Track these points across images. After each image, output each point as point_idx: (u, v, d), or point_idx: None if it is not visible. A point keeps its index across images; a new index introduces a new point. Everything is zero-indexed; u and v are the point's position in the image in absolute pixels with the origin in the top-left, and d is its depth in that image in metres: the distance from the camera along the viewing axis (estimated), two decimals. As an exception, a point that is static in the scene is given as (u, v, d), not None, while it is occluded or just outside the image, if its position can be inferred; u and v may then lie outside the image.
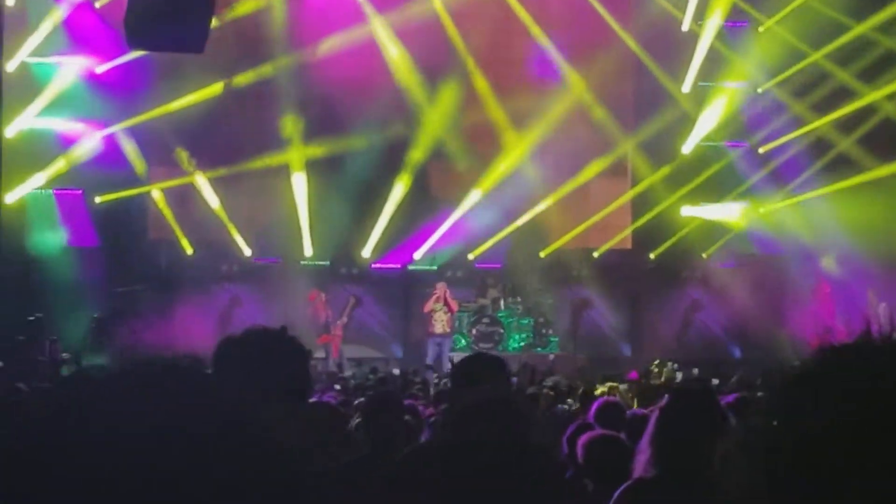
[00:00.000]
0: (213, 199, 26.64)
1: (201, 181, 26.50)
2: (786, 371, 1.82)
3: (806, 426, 1.72)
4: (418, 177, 27.13)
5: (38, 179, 24.77)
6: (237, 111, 26.04)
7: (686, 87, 27.14)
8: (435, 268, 27.40)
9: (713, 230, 27.70)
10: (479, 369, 6.39)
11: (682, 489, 4.75)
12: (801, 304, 24.73)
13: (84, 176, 25.18)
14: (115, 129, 25.52)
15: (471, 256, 27.70)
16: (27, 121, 24.30)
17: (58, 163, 24.91)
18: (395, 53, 26.72)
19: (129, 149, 25.72)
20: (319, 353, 24.75)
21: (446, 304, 25.38)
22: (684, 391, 5.91)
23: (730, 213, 27.39)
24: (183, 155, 26.27)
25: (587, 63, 27.06)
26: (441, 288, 25.55)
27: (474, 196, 27.10)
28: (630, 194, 28.03)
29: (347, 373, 22.52)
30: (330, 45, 26.15)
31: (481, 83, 26.96)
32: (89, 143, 25.11)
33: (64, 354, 21.23)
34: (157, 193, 26.48)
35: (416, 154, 26.92)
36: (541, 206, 27.17)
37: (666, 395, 5.53)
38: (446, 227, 27.19)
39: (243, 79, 26.23)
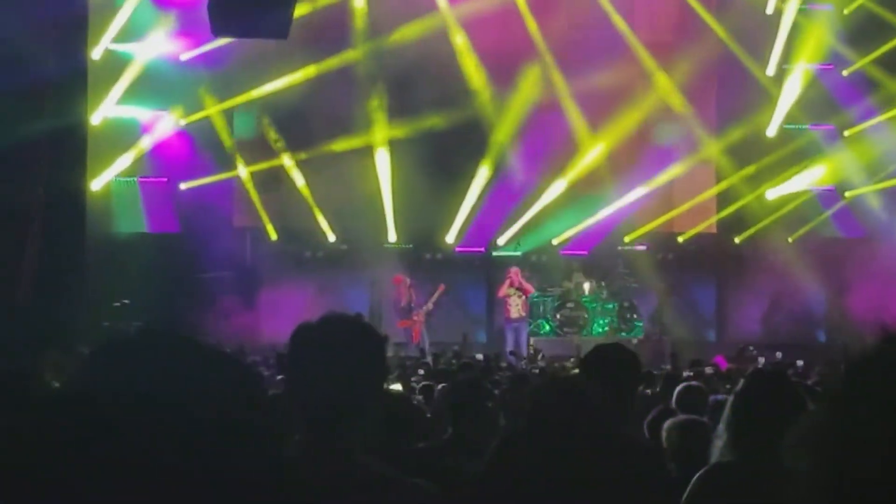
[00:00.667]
0: (299, 182, 26.81)
1: (288, 163, 26.70)
2: (847, 358, 1.81)
3: (862, 415, 1.70)
4: (500, 162, 27.11)
5: (123, 165, 25.06)
6: (322, 95, 26.15)
7: (770, 69, 26.91)
8: (519, 253, 27.34)
9: (798, 214, 27.41)
10: (609, 361, 6.24)
11: (757, 474, 4.73)
12: (886, 288, 24.32)
13: (168, 163, 25.47)
14: (202, 114, 25.78)
15: (555, 242, 27.61)
16: (112, 108, 24.55)
17: (141, 149, 25.21)
18: (470, 38, 26.71)
19: (220, 129, 26.00)
20: (401, 338, 24.88)
21: (521, 287, 25.34)
22: (759, 374, 5.84)
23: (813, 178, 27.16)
24: (271, 134, 26.49)
25: (670, 55, 26.99)
26: (514, 272, 25.46)
27: (559, 185, 27.06)
28: (714, 190, 27.85)
29: (428, 358, 22.52)
30: (411, 30, 26.25)
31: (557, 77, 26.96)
32: (171, 129, 25.42)
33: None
34: (244, 174, 26.67)
35: (500, 137, 26.92)
36: (628, 198, 27.06)
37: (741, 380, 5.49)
38: (531, 214, 27.17)
39: (329, 63, 26.38)
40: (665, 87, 26.99)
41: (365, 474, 3.94)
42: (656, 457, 6.24)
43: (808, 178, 27.27)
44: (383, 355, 4.38)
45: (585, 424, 4.85)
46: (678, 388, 9.16)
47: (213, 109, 25.94)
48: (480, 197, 27.00)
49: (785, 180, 27.33)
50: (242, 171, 26.68)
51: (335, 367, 4.02)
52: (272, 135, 26.51)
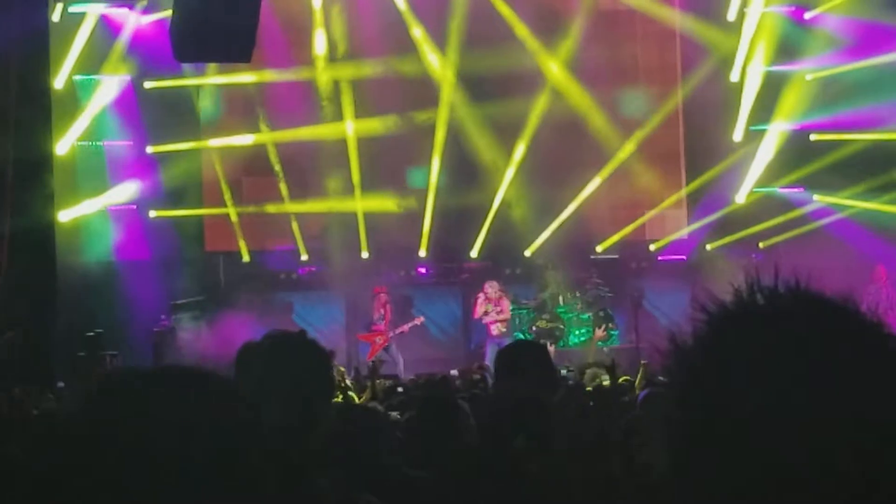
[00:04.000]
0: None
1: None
2: (687, 339, 1.83)
3: (697, 396, 1.73)
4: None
5: (93, 198, 24.95)
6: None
7: (734, 75, 26.91)
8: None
9: (772, 218, 27.30)
10: (521, 358, 6.36)
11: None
12: (857, 290, 24.12)
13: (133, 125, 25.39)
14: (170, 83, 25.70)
15: (528, 253, 27.59)
16: (76, 137, 24.37)
17: (112, 183, 25.12)
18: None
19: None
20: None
21: (498, 304, 25.27)
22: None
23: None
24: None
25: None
26: (491, 288, 25.42)
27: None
28: (674, 199, 27.91)
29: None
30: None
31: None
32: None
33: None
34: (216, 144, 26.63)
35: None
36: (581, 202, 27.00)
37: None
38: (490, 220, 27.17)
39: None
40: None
41: (312, 496, 3.93)
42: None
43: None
44: (328, 370, 4.38)
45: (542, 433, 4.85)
46: (641, 395, 9.20)
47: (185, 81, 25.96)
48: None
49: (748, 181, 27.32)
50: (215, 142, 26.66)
51: (278, 383, 4.01)
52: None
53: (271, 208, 26.81)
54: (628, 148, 26.98)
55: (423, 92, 26.67)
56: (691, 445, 1.71)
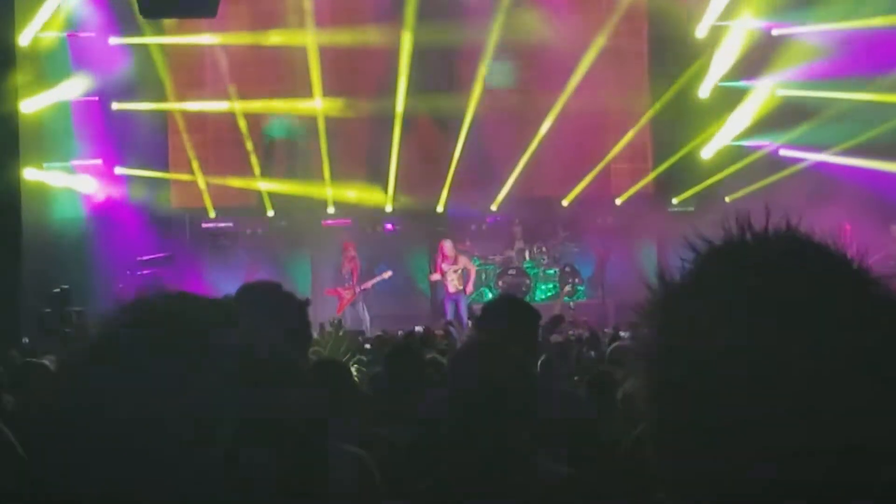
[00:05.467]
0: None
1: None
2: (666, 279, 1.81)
3: (672, 333, 1.72)
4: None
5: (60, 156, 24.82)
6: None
7: (702, 30, 26.87)
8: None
9: (738, 176, 27.33)
10: (505, 311, 6.33)
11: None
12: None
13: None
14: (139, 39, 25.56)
15: (493, 207, 27.64)
16: (44, 97, 24.21)
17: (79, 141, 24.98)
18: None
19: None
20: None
21: (455, 262, 25.29)
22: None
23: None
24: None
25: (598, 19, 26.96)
26: (447, 247, 25.36)
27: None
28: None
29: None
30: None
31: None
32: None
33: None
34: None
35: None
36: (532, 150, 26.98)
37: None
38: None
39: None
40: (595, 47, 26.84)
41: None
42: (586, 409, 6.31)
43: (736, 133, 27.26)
44: (305, 320, 4.37)
45: (506, 383, 4.83)
46: (610, 347, 9.24)
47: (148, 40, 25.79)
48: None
49: (716, 137, 27.34)
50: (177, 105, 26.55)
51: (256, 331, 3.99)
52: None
53: (238, 182, 26.72)
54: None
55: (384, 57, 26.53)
56: (663, 385, 1.71)
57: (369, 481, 4.49)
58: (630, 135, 27.37)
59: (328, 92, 26.46)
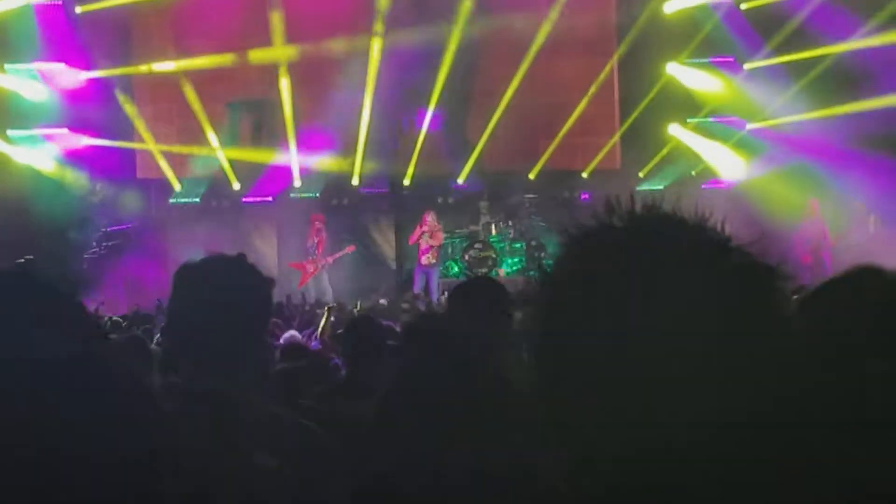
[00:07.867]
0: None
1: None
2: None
3: (540, 312, 1.84)
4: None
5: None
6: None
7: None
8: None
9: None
10: (476, 293, 6.32)
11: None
12: (795, 222, 24.06)
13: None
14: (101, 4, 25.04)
15: (460, 181, 27.61)
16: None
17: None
18: None
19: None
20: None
21: (433, 236, 25.27)
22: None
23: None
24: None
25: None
26: (430, 218, 25.36)
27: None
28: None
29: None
30: None
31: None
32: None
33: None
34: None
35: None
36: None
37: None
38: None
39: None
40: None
41: (248, 417, 3.89)
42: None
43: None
44: (267, 295, 4.32)
45: (452, 354, 4.79)
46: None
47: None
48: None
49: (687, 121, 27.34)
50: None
51: (215, 305, 3.96)
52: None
53: (200, 150, 26.50)
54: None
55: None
56: (537, 362, 1.82)
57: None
58: (585, 101, 27.12)
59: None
